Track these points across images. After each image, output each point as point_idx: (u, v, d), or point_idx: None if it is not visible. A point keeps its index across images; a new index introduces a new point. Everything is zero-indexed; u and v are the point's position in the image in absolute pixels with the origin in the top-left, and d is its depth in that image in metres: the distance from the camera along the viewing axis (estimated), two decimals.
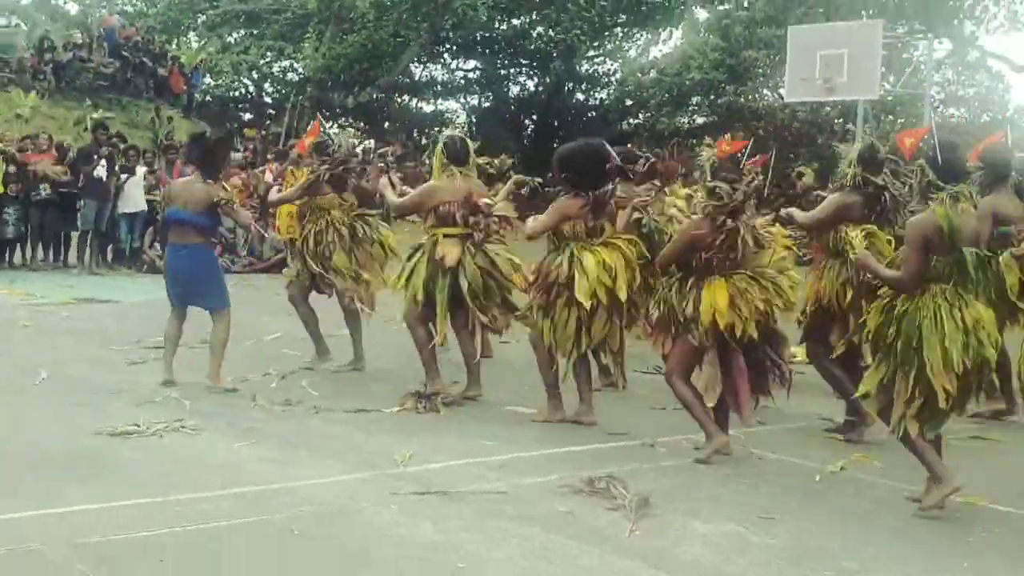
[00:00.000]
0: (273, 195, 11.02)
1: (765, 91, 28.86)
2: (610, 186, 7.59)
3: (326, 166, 9.25)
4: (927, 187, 5.88)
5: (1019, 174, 8.06)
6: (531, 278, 7.76)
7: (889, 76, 23.97)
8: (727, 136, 8.63)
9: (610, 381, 8.85)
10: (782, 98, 25.06)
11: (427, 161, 8.68)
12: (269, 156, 19.93)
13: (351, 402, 8.01)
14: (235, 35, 33.85)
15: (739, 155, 7.38)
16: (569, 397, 7.80)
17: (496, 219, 8.25)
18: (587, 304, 7.28)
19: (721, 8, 30.01)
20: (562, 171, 7.62)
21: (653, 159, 9.08)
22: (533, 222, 7.63)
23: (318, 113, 11.19)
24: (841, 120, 23.24)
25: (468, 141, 8.43)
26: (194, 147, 8.93)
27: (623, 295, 7.33)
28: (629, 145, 12.05)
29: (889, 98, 24.45)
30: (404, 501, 5.74)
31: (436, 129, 34.32)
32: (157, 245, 15.97)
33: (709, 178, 6.93)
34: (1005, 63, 28.07)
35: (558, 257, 7.45)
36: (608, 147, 7.73)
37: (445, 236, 8.10)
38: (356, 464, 6.45)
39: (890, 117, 25.38)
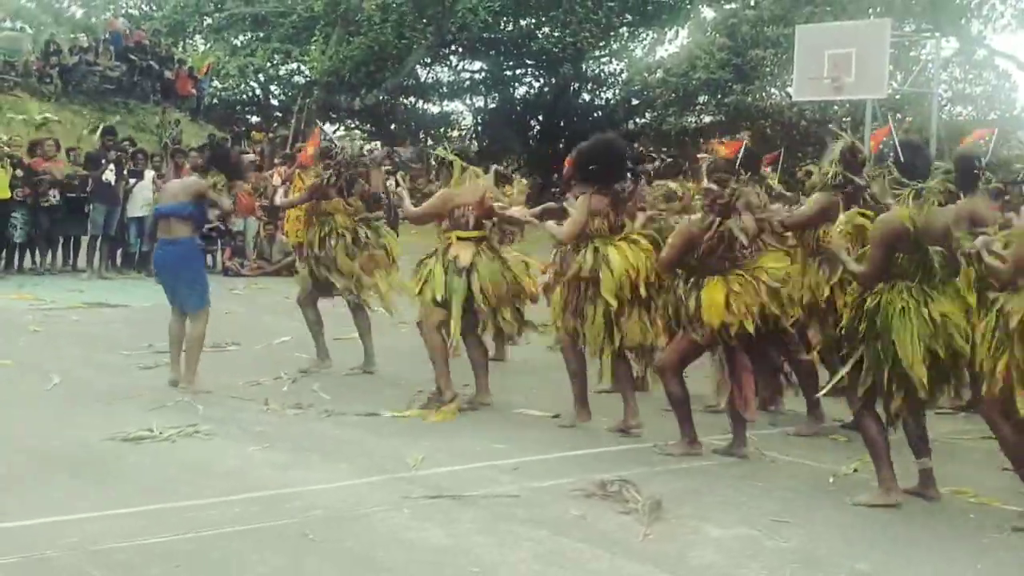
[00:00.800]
0: (279, 199, 11.06)
1: (773, 90, 28.87)
2: (630, 182, 7.59)
3: (332, 171, 9.27)
4: (892, 185, 6.05)
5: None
6: (548, 277, 7.76)
7: (897, 75, 23.95)
8: (725, 138, 8.66)
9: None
10: (790, 97, 25.04)
11: (433, 168, 8.64)
12: (276, 160, 19.89)
13: (362, 406, 8.01)
14: (241, 38, 33.88)
15: (736, 156, 7.37)
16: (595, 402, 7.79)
17: (510, 222, 8.24)
18: (613, 302, 7.25)
19: (728, 7, 29.99)
20: (583, 167, 7.61)
21: (668, 159, 9.10)
22: (562, 227, 7.57)
23: (316, 121, 11.15)
24: (849, 119, 23.19)
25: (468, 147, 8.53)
26: (217, 157, 9.05)
27: (643, 291, 7.28)
28: (636, 145, 12.07)
29: (897, 97, 24.43)
30: (415, 505, 5.74)
31: (442, 130, 34.41)
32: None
33: (705, 179, 6.97)
34: (1012, 62, 28.06)
35: (581, 253, 7.41)
36: (624, 143, 7.78)
37: (459, 239, 8.09)
38: (367, 468, 6.45)
39: (898, 116, 25.33)
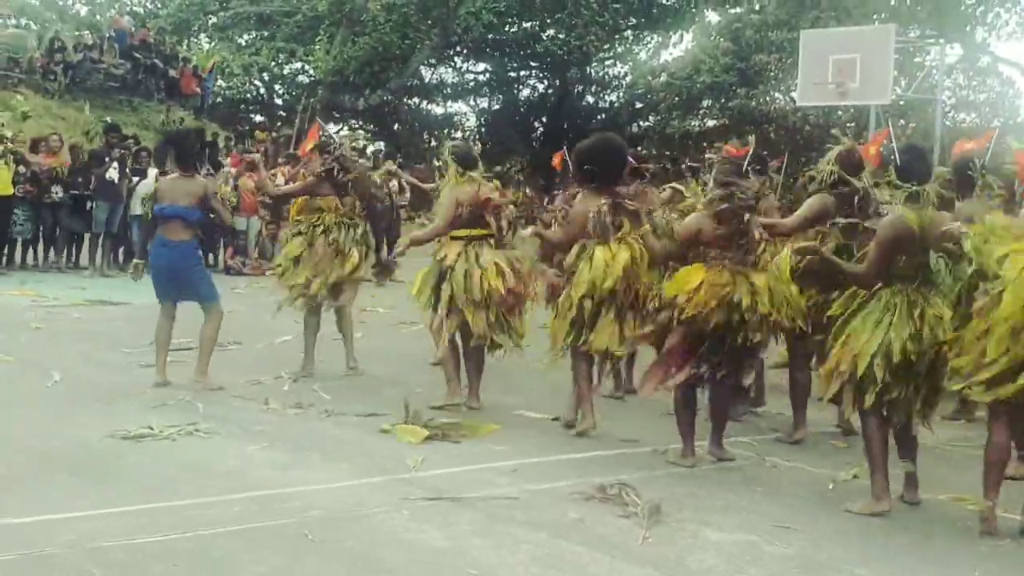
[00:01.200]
0: (273, 187, 11.05)
1: (776, 94, 28.84)
2: (627, 183, 7.56)
3: (327, 165, 9.19)
4: (890, 188, 6.11)
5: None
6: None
7: (901, 81, 23.94)
8: (734, 140, 8.63)
9: (620, 393, 8.90)
10: (794, 101, 25.02)
11: (438, 165, 8.60)
12: (280, 159, 19.92)
13: (362, 406, 8.01)
14: (246, 37, 33.92)
15: (742, 159, 7.34)
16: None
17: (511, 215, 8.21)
18: (576, 296, 7.17)
19: (732, 12, 29.97)
20: (582, 165, 7.59)
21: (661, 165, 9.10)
22: (558, 235, 7.54)
23: (317, 118, 11.16)
24: (853, 124, 23.20)
25: (472, 147, 8.43)
26: (169, 146, 8.95)
27: (619, 285, 7.15)
28: (639, 148, 12.12)
29: (901, 103, 24.39)
30: (414, 506, 5.74)
31: (446, 131, 34.42)
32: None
33: (716, 177, 6.93)
34: (1016, 69, 28.07)
35: (573, 252, 7.39)
36: (623, 144, 7.77)
37: (452, 239, 8.07)
38: (367, 469, 6.45)
39: (901, 122, 25.32)
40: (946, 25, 25.76)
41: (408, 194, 18.65)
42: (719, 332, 6.61)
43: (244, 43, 33.57)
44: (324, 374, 9.25)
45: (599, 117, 33.78)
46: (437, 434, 7.26)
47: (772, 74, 27.75)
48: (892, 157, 6.14)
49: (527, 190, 10.19)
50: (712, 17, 31.72)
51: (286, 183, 14.12)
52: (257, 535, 5.22)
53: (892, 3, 25.92)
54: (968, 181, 7.97)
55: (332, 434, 7.32)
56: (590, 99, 35.50)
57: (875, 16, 25.15)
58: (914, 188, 5.96)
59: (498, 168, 28.07)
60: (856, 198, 7.20)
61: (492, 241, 8.04)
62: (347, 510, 5.67)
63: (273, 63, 32.63)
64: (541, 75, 35.37)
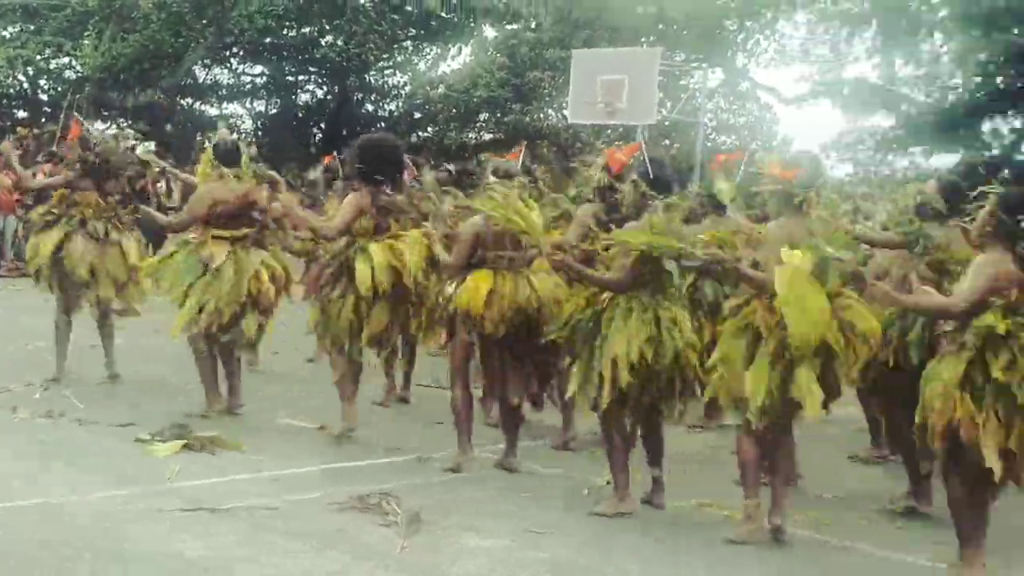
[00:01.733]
0: (35, 181, 10.66)
1: (550, 111, 29.48)
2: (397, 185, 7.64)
3: (88, 160, 8.93)
4: (641, 199, 6.36)
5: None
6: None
7: (667, 103, 24.82)
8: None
9: (401, 396, 8.99)
10: (566, 119, 25.64)
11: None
12: (40, 157, 19.08)
13: (117, 415, 7.77)
14: (11, 29, 32.35)
15: (519, 163, 7.61)
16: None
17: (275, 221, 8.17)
18: (366, 292, 7.22)
19: (509, 28, 30.49)
20: (360, 161, 7.61)
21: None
22: (327, 224, 7.57)
23: (75, 114, 10.81)
24: (621, 143, 23.90)
25: (240, 145, 8.33)
26: None
27: (409, 281, 7.27)
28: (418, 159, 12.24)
29: (666, 124, 25.29)
30: (172, 517, 5.63)
31: (210, 133, 33.69)
32: None
33: (489, 179, 7.14)
34: (774, 95, 29.50)
35: (341, 249, 7.42)
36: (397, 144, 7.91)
37: (214, 237, 7.95)
38: (122, 479, 6.28)
39: (666, 142, 26.31)
40: (710, 50, 26.88)
41: (177, 195, 18.19)
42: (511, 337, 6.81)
43: (9, 36, 31.98)
44: (78, 381, 8.92)
45: (379, 125, 33.69)
46: (195, 445, 7.10)
47: (546, 91, 28.35)
48: (646, 169, 6.43)
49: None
50: (490, 32, 32.18)
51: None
52: (3, 548, 5.01)
53: (660, 27, 26.86)
54: (713, 201, 8.47)
55: (85, 443, 7.08)
56: (369, 107, 35.41)
57: (643, 39, 26.01)
58: (667, 200, 6.29)
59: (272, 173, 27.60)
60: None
61: (255, 241, 7.98)
62: (101, 522, 5.50)
63: (39, 57, 31.20)
64: (320, 81, 35.06)
